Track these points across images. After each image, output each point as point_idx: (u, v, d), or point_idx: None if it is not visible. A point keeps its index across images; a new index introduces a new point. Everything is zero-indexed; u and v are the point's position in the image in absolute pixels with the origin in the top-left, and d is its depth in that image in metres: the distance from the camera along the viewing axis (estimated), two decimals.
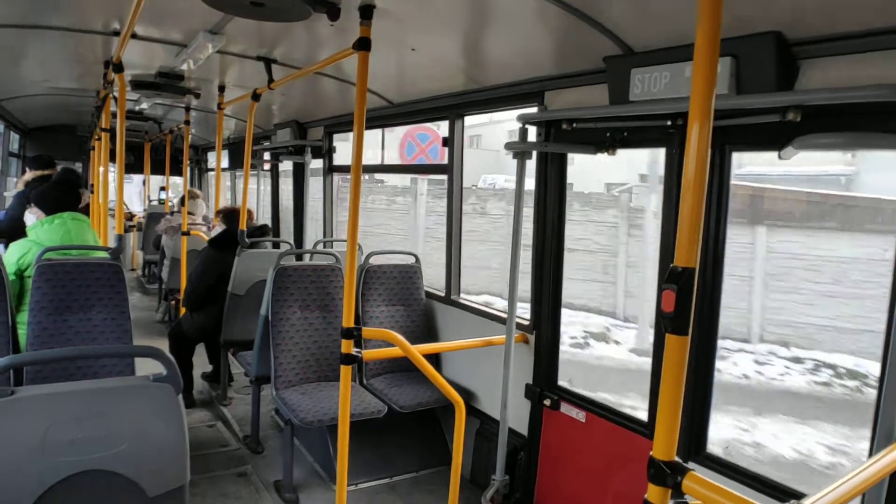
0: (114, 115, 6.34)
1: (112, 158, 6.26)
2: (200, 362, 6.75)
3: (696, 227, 1.68)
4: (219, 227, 6.82)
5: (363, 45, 3.39)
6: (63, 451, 2.44)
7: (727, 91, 2.90)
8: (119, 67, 4.58)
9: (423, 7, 3.69)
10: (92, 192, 8.25)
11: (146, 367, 2.93)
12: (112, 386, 2.69)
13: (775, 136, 2.84)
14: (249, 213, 6.91)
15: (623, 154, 3.76)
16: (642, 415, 3.84)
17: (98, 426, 2.51)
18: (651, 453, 1.77)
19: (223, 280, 6.20)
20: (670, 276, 1.68)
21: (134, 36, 4.30)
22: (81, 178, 5.48)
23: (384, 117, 6.14)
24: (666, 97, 3.20)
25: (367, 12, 3.33)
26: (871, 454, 2.50)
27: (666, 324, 1.71)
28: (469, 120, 5.28)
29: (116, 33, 4.61)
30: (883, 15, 2.45)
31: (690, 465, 3.27)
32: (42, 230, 4.55)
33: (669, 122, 3.28)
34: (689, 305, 1.68)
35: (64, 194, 4.79)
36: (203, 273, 6.26)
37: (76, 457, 2.46)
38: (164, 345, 6.38)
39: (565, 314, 4.47)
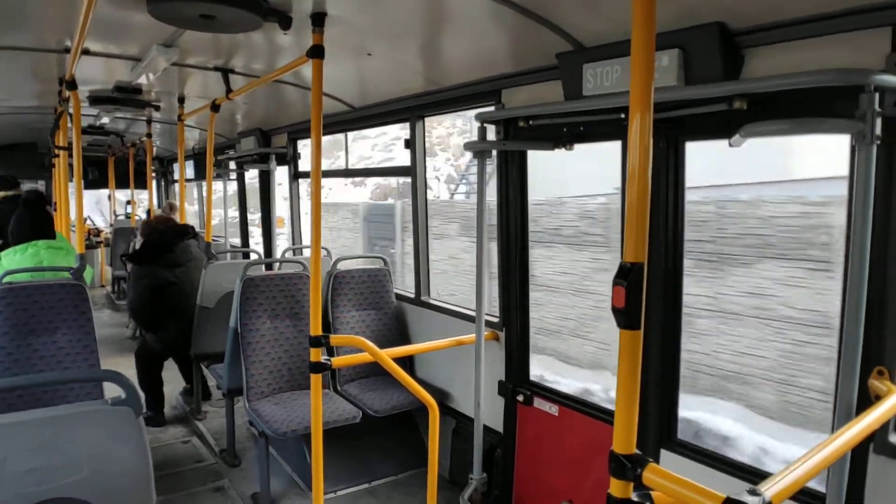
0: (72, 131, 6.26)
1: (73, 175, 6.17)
2: (173, 376, 6.66)
3: (644, 220, 1.69)
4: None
5: (317, 52, 3.39)
6: (22, 480, 2.41)
7: (675, 83, 2.94)
8: (72, 84, 4.52)
9: (375, 13, 3.69)
10: (55, 210, 8.13)
11: (114, 387, 2.90)
12: (69, 413, 2.66)
13: (725, 124, 2.88)
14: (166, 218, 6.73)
15: None
16: (612, 405, 3.87)
17: (57, 454, 2.48)
18: (611, 447, 1.78)
19: (163, 293, 6.01)
20: (619, 272, 1.70)
21: (87, 52, 4.24)
22: (46, 197, 5.38)
23: (346, 122, 6.13)
24: (617, 91, 3.24)
25: (318, 20, 3.34)
26: (833, 430, 2.55)
27: (618, 319, 1.73)
28: None
29: (68, 50, 4.55)
30: (821, 2, 2.51)
31: (662, 452, 3.35)
32: (14, 259, 4.49)
33: (623, 115, 3.31)
34: (640, 300, 1.69)
35: (37, 220, 4.73)
36: (136, 291, 6.03)
37: (36, 486, 2.43)
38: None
39: None
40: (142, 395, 3.34)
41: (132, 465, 2.61)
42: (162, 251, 6.12)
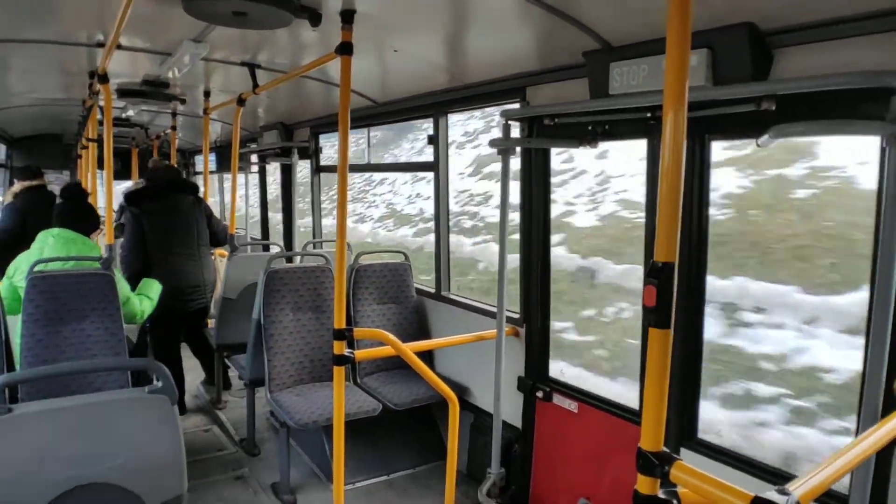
0: (100, 124, 6.34)
1: (100, 166, 6.24)
2: (194, 365, 6.74)
3: (675, 219, 1.71)
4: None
5: (345, 49, 3.43)
6: (62, 465, 2.47)
7: (704, 82, 2.94)
8: (104, 78, 4.59)
9: (403, 10, 3.72)
10: None
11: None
12: (108, 399, 2.72)
13: (753, 124, 2.89)
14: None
15: None
16: (633, 403, 3.89)
17: (96, 440, 2.55)
18: (639, 444, 1.80)
19: (152, 237, 5.88)
20: (651, 271, 1.72)
21: (119, 47, 4.31)
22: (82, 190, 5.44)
23: (369, 116, 6.17)
24: (645, 90, 3.25)
25: (348, 17, 3.37)
26: (857, 434, 2.55)
27: (648, 318, 1.75)
28: None
29: (101, 45, 4.62)
30: (852, 2, 2.50)
31: (683, 451, 3.36)
32: (33, 246, 4.61)
33: (649, 115, 3.32)
34: (670, 300, 1.72)
35: (61, 210, 4.85)
36: (127, 234, 5.91)
37: (75, 470, 2.49)
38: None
39: None
40: None
41: (167, 452, 2.67)
42: (153, 198, 6.02)
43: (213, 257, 6.76)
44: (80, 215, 4.85)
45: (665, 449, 1.78)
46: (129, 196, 6.12)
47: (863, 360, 2.64)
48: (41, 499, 2.43)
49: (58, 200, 5.32)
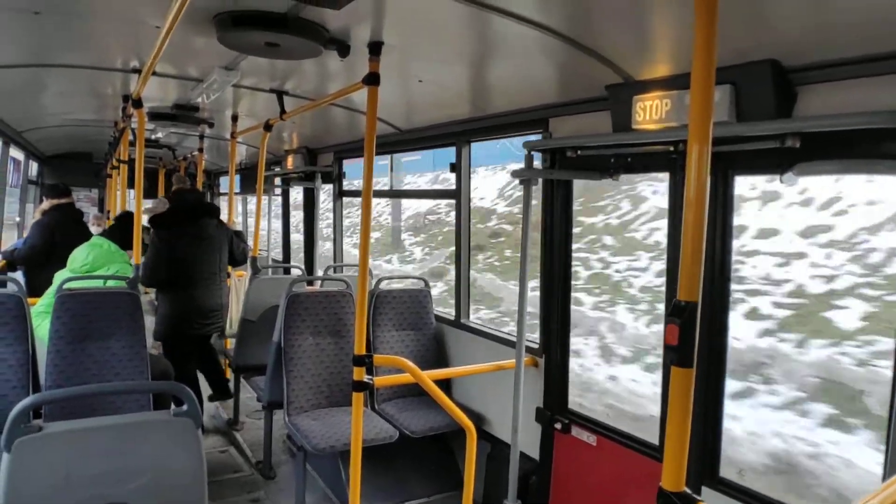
0: (132, 145, 6.48)
1: (130, 186, 6.34)
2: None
3: (698, 257, 1.71)
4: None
5: (373, 79, 3.49)
6: (88, 484, 2.51)
7: (727, 118, 2.95)
8: (139, 104, 4.71)
9: (429, 41, 3.79)
10: (109, 219, 8.41)
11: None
12: (135, 421, 2.77)
13: (777, 160, 2.89)
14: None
15: None
16: (652, 438, 3.85)
17: (121, 460, 2.58)
18: (660, 484, 1.79)
19: (179, 262, 5.84)
20: (674, 310, 1.72)
21: (154, 73, 4.43)
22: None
23: (392, 143, 6.24)
24: (668, 124, 3.26)
25: (375, 48, 3.44)
26: (884, 478, 2.50)
27: (671, 357, 1.74)
28: None
29: (136, 71, 4.75)
30: (876, 41, 2.50)
31: (704, 490, 3.31)
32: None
33: (672, 149, 3.34)
34: (693, 339, 1.71)
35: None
36: (151, 254, 5.80)
37: (100, 490, 2.52)
38: None
39: None
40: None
41: (190, 473, 2.70)
42: (185, 221, 5.98)
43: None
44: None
45: (686, 489, 1.76)
46: (157, 219, 6.10)
47: (889, 399, 2.60)
48: None
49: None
